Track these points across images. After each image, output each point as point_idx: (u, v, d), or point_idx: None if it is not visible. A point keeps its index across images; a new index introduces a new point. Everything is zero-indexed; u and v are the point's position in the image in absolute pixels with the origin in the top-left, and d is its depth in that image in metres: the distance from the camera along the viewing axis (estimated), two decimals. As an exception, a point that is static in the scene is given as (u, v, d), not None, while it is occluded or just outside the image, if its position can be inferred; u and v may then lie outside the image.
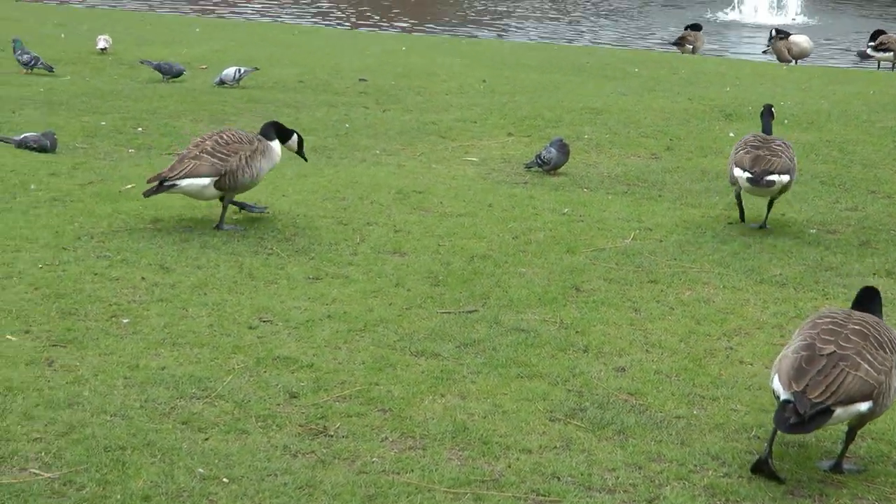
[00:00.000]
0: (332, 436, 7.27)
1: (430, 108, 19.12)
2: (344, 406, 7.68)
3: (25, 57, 21.05)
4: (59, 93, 19.14)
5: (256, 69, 20.90)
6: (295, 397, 7.80)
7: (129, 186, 12.94)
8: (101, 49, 24.01)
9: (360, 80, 21.95)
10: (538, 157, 14.68)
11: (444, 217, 12.37)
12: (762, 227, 12.39)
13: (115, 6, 37.73)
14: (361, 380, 8.11)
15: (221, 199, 11.75)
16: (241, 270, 10.34)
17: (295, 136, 12.37)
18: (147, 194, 11.41)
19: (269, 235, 11.40)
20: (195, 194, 11.61)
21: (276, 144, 12.02)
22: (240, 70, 20.51)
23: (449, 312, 9.54)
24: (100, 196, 12.53)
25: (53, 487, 6.42)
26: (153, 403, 7.58)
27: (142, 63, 21.47)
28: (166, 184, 11.29)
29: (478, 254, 11.12)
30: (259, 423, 7.39)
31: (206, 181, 11.39)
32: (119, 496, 6.36)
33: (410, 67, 23.97)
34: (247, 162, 11.53)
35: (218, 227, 11.65)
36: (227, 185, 11.51)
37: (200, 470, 6.69)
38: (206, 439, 7.13)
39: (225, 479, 6.63)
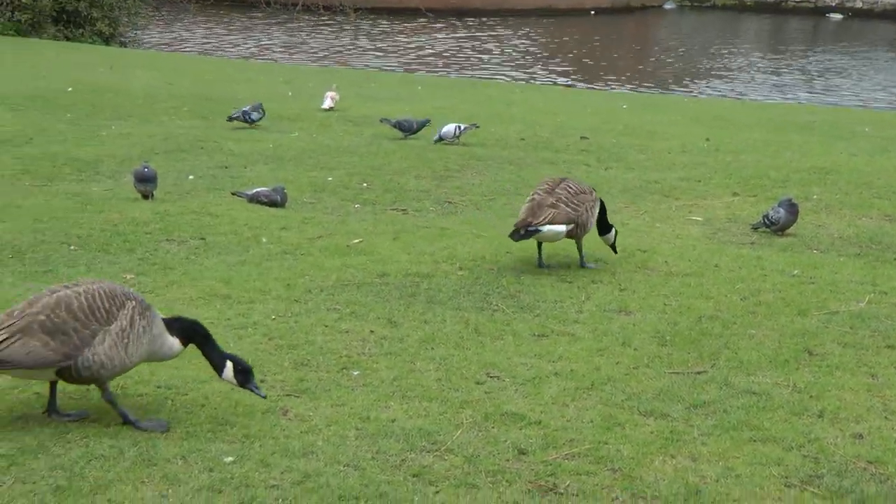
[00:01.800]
0: (562, 493, 7.22)
1: (653, 167, 19.03)
2: (573, 464, 7.63)
3: (235, 113, 21.87)
4: (287, 149, 19.61)
5: (476, 126, 21.07)
6: (524, 454, 7.77)
7: (357, 241, 13.16)
8: (328, 108, 24.57)
9: (581, 137, 21.98)
10: (765, 217, 14.46)
11: (669, 276, 12.26)
12: None
13: (341, 66, 38.50)
14: (590, 438, 8.05)
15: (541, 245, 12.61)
16: (468, 326, 10.39)
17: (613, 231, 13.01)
18: (515, 238, 12.11)
19: (494, 292, 11.44)
20: (550, 239, 12.33)
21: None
22: (460, 127, 20.71)
23: (677, 373, 9.42)
24: (328, 250, 12.77)
25: (291, 535, 6.53)
26: (384, 455, 7.64)
27: (382, 121, 21.88)
28: (531, 229, 12.03)
29: (705, 314, 10.97)
30: (489, 479, 7.39)
31: (562, 228, 12.15)
32: (354, 546, 6.43)
33: (631, 125, 23.91)
34: (591, 211, 12.33)
35: (582, 265, 12.57)
36: (576, 234, 12.30)
37: (432, 523, 6.73)
38: (437, 492, 7.15)
39: (457, 534, 6.64)
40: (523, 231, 12.05)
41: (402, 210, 15.43)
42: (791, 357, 9.83)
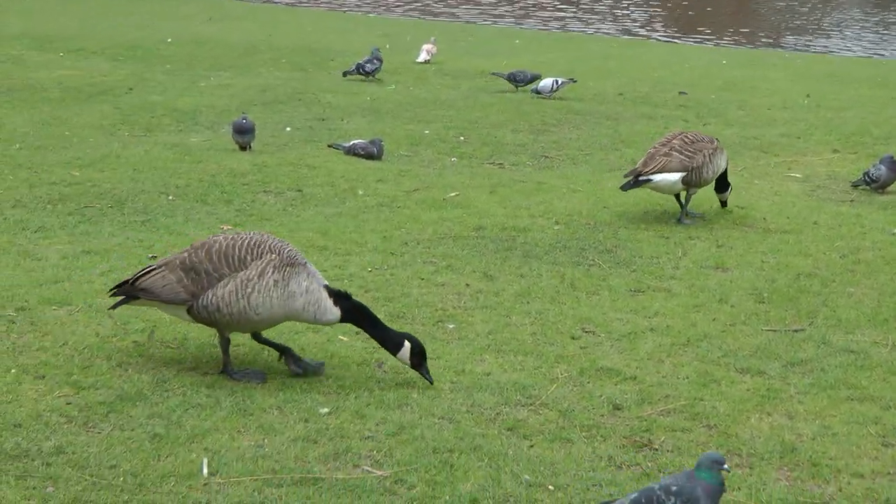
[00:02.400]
0: (657, 449, 7.20)
1: (752, 123, 18.82)
2: (668, 420, 7.60)
3: (350, 68, 22.03)
4: (384, 102, 19.64)
5: (573, 81, 20.98)
6: (619, 409, 7.76)
7: (453, 194, 13.17)
8: (424, 61, 24.58)
9: (679, 93, 21.79)
10: (866, 174, 14.24)
11: (767, 233, 12.14)
12: None
13: (445, 20, 38.36)
14: (686, 394, 8.01)
15: (678, 196, 12.69)
16: (563, 281, 10.36)
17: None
18: (625, 188, 12.25)
19: (590, 247, 11.40)
20: (665, 189, 12.38)
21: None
22: (557, 81, 20.64)
23: (774, 330, 9.34)
24: (425, 203, 12.79)
25: (385, 485, 6.56)
26: (479, 408, 7.66)
27: (492, 75, 21.98)
28: (641, 178, 12.11)
29: (803, 272, 10.86)
30: (583, 433, 7.38)
31: (676, 177, 12.18)
32: (447, 497, 6.45)
33: (731, 81, 23.66)
34: (709, 159, 12.26)
35: (679, 221, 12.51)
36: (693, 181, 12.26)
37: (526, 476, 6.73)
38: (532, 446, 7.16)
39: (550, 487, 6.64)
40: (633, 180, 12.11)
41: (499, 164, 15.41)
42: (890, 316, 9.70)
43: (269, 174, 13.82)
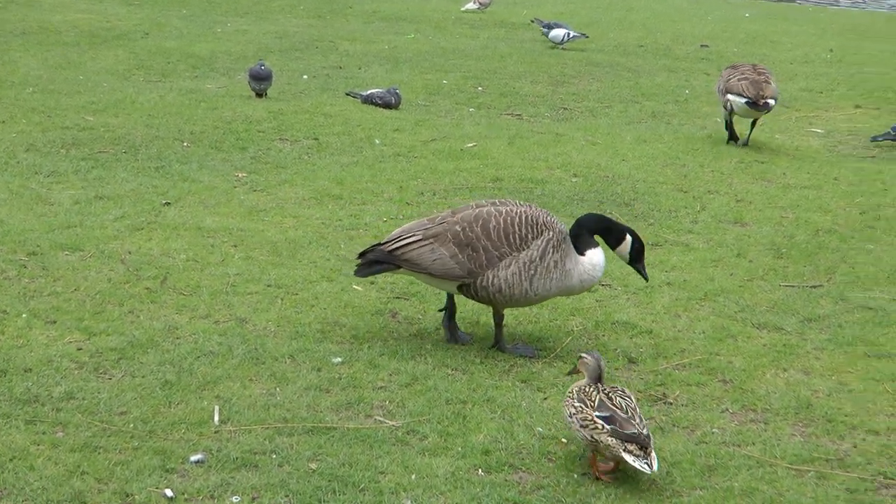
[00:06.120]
0: (671, 403, 7.13)
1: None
2: (683, 374, 7.53)
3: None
4: (403, 50, 19.51)
5: (585, 36, 20.88)
6: (634, 363, 7.69)
7: (470, 145, 13.07)
8: (477, 8, 24.55)
9: (701, 45, 21.66)
10: (894, 129, 14.06)
11: (787, 188, 12.03)
12: None
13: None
14: (701, 349, 7.94)
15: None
16: (580, 233, 10.26)
17: None
18: (765, 109, 13.39)
19: (608, 200, 11.31)
20: (764, 112, 13.51)
21: None
22: (569, 34, 20.54)
23: (792, 286, 9.25)
24: (441, 153, 12.70)
25: (397, 435, 6.51)
26: (493, 360, 7.60)
27: (533, 22, 22.08)
28: (762, 102, 13.19)
29: (823, 228, 10.76)
30: (598, 387, 7.31)
31: (773, 102, 13.40)
32: (460, 448, 6.40)
33: (754, 34, 23.49)
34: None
35: (745, 144, 13.76)
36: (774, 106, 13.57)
37: (539, 429, 6.67)
38: (545, 399, 7.10)
39: (563, 440, 6.57)
40: (762, 103, 13.11)
41: (517, 115, 15.30)
42: (910, 273, 9.62)
43: (285, 122, 13.74)
